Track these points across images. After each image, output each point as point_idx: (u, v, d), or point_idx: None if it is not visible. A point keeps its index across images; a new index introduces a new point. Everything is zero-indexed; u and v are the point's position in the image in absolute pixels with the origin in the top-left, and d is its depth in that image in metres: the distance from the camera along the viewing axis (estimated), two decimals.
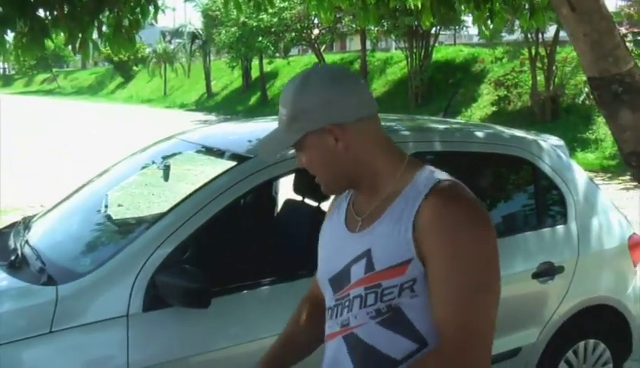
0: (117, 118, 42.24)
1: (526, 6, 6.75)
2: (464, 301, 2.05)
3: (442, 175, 2.24)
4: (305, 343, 2.69)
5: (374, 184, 2.29)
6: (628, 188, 15.25)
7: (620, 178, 17.01)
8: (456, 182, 2.23)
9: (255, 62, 49.32)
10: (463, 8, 6.73)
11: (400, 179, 2.25)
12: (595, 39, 2.66)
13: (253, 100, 49.32)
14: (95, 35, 6.46)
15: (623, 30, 18.61)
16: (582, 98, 23.55)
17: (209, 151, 4.88)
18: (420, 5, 6.49)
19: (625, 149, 2.81)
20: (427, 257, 2.10)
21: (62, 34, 6.28)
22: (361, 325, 2.24)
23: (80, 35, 6.14)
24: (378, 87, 38.00)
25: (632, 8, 21.32)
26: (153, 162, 5.22)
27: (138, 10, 6.18)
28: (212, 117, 44.33)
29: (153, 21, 6.86)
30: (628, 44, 16.46)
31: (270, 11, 34.96)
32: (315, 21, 37.73)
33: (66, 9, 5.91)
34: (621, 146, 2.82)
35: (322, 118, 2.21)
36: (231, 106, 49.71)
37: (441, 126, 5.30)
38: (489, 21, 6.63)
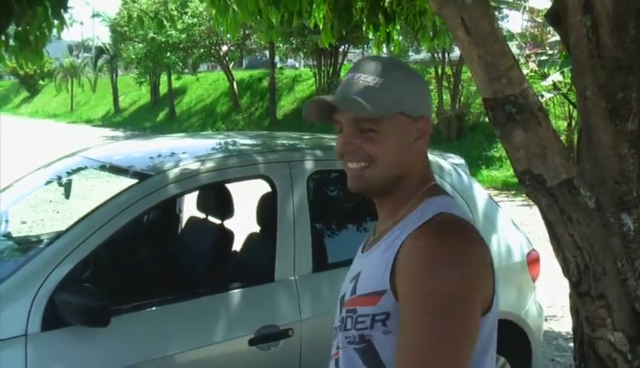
0: (22, 132, 41.36)
1: (429, 27, 6.89)
2: (419, 353, 1.78)
3: (449, 209, 2.01)
4: None
5: (400, 196, 2.04)
6: (530, 205, 15.49)
7: (524, 194, 17.32)
8: (457, 218, 1.99)
9: (163, 78, 49.06)
10: (365, 28, 6.84)
11: (412, 203, 2.03)
12: (489, 61, 2.72)
13: (161, 115, 49.01)
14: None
15: (527, 50, 19.08)
16: (487, 117, 23.93)
17: (111, 168, 4.82)
18: (321, 25, 6.54)
19: (519, 168, 2.89)
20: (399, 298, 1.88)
21: None
22: (344, 349, 2.04)
23: None
24: (287, 104, 38.14)
25: (536, 30, 21.85)
26: (56, 179, 5.15)
27: (45, 24, 6.11)
28: (119, 133, 43.83)
29: (61, 35, 6.81)
30: (532, 63, 16.87)
31: (179, 27, 34.82)
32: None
33: None
34: (515, 166, 2.90)
35: (417, 106, 2.01)
36: (139, 122, 49.28)
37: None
38: (388, 45, 6.76)
